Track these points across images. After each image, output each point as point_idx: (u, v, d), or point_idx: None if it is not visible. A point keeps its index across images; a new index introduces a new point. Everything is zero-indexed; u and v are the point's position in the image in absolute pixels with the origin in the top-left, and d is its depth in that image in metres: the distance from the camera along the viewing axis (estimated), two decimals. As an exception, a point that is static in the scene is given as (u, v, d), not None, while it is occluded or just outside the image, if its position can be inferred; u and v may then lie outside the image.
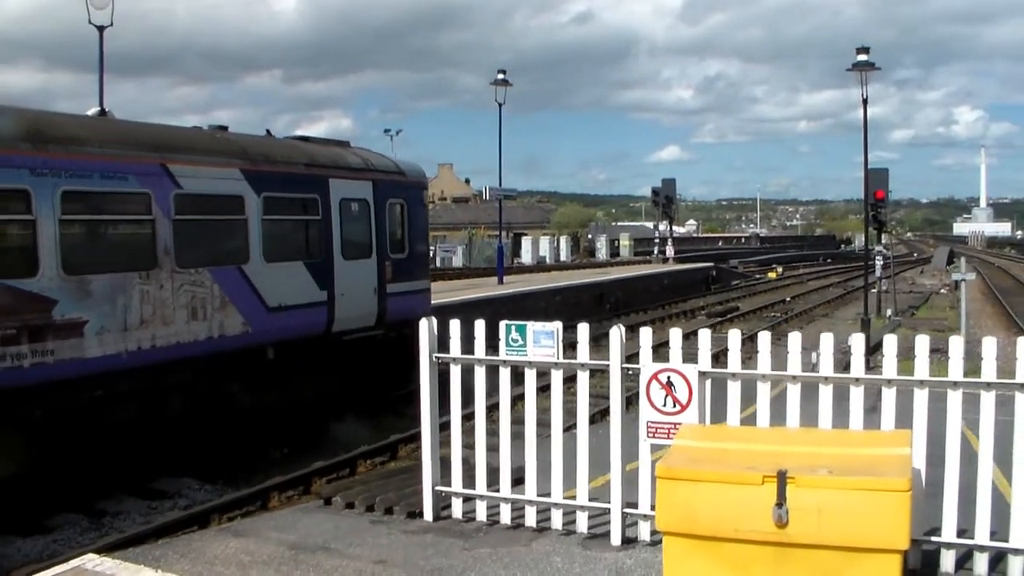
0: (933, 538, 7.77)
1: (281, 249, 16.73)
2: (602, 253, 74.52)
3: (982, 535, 7.69)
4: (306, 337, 17.04)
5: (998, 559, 7.76)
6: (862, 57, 33.34)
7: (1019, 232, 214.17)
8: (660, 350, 8.98)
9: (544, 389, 9.24)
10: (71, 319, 12.65)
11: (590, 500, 8.96)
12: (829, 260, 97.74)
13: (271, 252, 16.36)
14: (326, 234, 17.78)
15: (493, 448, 9.41)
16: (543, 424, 9.18)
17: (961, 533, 7.74)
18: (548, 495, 9.10)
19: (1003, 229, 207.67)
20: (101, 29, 28.07)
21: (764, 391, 8.28)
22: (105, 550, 9.34)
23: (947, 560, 7.79)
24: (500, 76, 43.32)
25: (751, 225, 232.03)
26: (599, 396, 12.39)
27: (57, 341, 12.44)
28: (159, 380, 14.21)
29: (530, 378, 9.17)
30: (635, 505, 8.66)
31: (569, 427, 9.41)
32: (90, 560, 8.41)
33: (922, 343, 7.87)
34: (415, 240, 20.87)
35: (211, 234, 15.61)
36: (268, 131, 19.12)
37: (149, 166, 14.11)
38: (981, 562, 7.73)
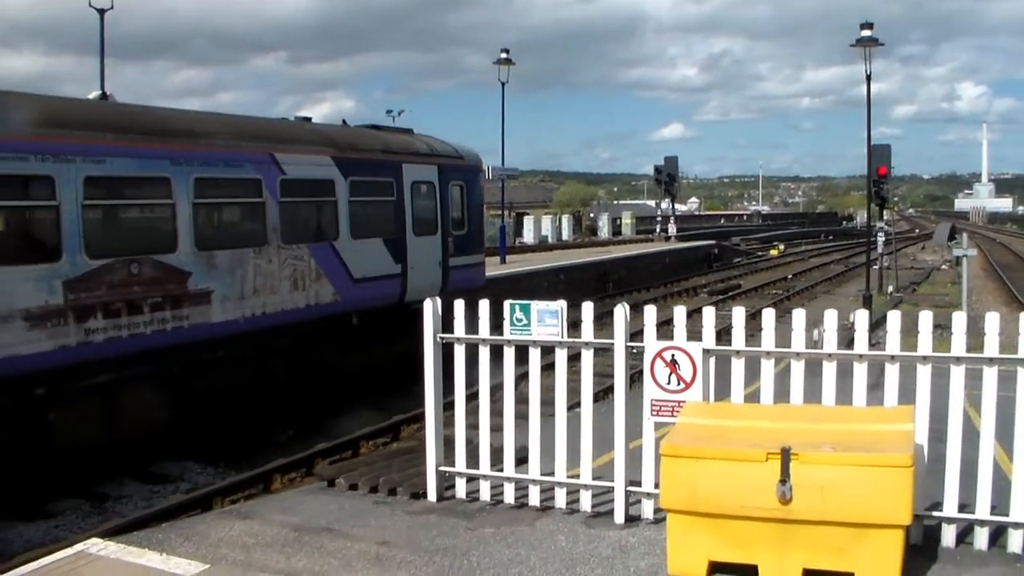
0: (934, 513, 7.79)
1: (364, 227, 18.65)
2: (604, 232, 74.27)
3: (983, 510, 7.71)
4: (383, 305, 19.01)
5: (998, 533, 7.78)
6: (866, 33, 33.22)
7: (1020, 208, 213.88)
8: (663, 328, 8.97)
9: (548, 368, 9.23)
10: (201, 289, 14.66)
11: (594, 479, 8.97)
12: (831, 237, 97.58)
13: (356, 230, 18.33)
14: (400, 213, 19.84)
15: (497, 428, 9.41)
16: (547, 403, 9.18)
17: (962, 508, 7.76)
18: (552, 474, 9.11)
19: (1004, 205, 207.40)
20: (102, 12, 28.06)
21: (768, 368, 8.28)
22: (109, 534, 9.33)
23: (948, 535, 7.81)
24: (503, 55, 43.21)
25: (753, 202, 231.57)
26: (603, 375, 12.39)
27: (191, 308, 14.45)
28: (267, 342, 16.17)
29: (534, 357, 9.16)
30: (639, 483, 8.67)
31: (573, 406, 9.40)
32: (94, 544, 8.41)
33: (926, 319, 7.86)
34: (472, 218, 23.08)
35: (308, 214, 17.76)
36: (344, 121, 21.20)
37: (261, 155, 16.15)
38: (982, 536, 7.76)
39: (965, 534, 7.84)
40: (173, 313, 14.08)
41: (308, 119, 19.73)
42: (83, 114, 13.76)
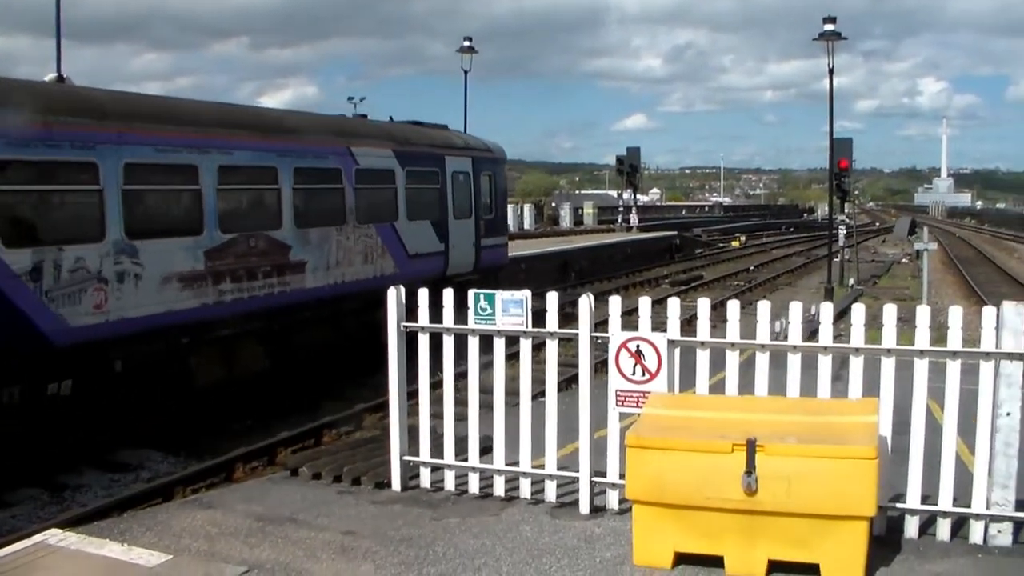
0: (898, 504, 7.85)
1: (417, 211, 21.90)
2: (566, 222, 74.34)
3: (945, 501, 7.78)
4: (431, 278, 20.74)
5: (960, 524, 7.85)
6: (829, 27, 33.43)
7: (979, 202, 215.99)
8: (627, 318, 8.97)
9: (513, 357, 9.22)
10: (299, 260, 17.64)
11: (559, 469, 8.96)
12: (792, 229, 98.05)
13: (411, 213, 21.62)
14: (443, 199, 23.18)
15: (461, 417, 9.39)
16: (512, 393, 9.16)
17: (925, 500, 7.83)
18: (517, 464, 9.10)
19: (963, 199, 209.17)
20: (57, -8, 27.66)
21: (733, 359, 8.30)
22: (68, 524, 9.21)
23: (911, 526, 7.88)
24: (466, 43, 43.14)
25: (715, 194, 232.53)
26: (567, 364, 12.39)
27: (291, 275, 17.44)
28: (343, 307, 18.98)
29: (499, 347, 9.15)
30: (604, 474, 8.68)
31: (537, 395, 9.40)
32: (53, 535, 8.27)
33: (889, 312, 7.91)
34: (499, 205, 26.86)
35: (375, 199, 20.65)
36: (391, 117, 23.96)
37: (340, 148, 19.35)
38: (944, 527, 7.83)
39: (928, 525, 7.91)
40: (278, 279, 17.12)
41: (364, 116, 23.21)
42: (216, 115, 16.94)
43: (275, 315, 17.16)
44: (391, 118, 23.83)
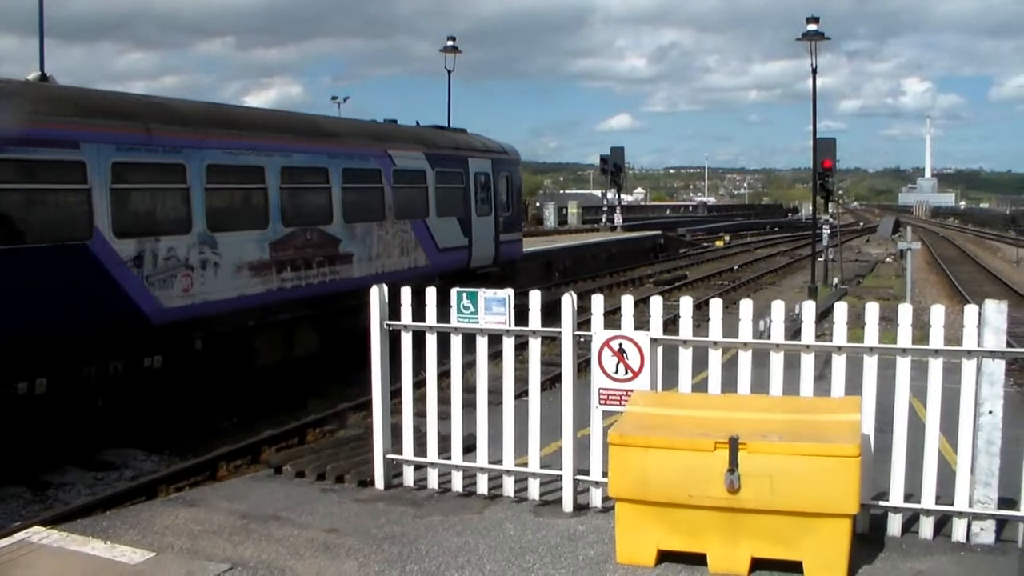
0: (881, 502, 7.87)
1: (445, 208, 23.89)
2: (550, 221, 74.29)
3: (928, 499, 7.80)
4: (456, 270, 23.98)
5: (943, 522, 7.87)
6: (812, 27, 33.50)
7: (963, 202, 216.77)
8: (610, 317, 8.98)
9: (496, 356, 9.22)
10: (347, 252, 19.59)
11: (542, 467, 8.97)
12: (776, 229, 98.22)
13: (440, 210, 23.61)
14: (467, 198, 25.17)
15: (445, 416, 9.38)
16: (495, 392, 9.16)
17: (907, 498, 7.85)
18: (500, 462, 9.10)
19: (947, 199, 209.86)
20: (41, -9, 27.50)
21: (716, 358, 8.31)
22: (51, 522, 9.18)
23: (894, 524, 7.90)
24: (449, 43, 43.11)
25: (699, 194, 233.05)
26: (550, 363, 12.41)
27: (340, 266, 19.36)
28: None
29: (481, 345, 9.15)
30: (587, 472, 8.69)
31: (521, 394, 9.40)
32: (36, 533, 8.25)
33: (872, 310, 7.94)
34: (514, 203, 28.83)
35: (410, 197, 22.54)
36: (417, 122, 25.89)
37: (380, 151, 21.34)
38: (927, 525, 7.85)
39: (911, 523, 7.93)
40: (329, 269, 18.98)
41: (394, 121, 25.00)
42: (278, 122, 19.31)
43: (326, 301, 18.91)
44: (417, 122, 25.83)
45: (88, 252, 13.58)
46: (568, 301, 8.74)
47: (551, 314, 9.02)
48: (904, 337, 7.83)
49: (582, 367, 10.07)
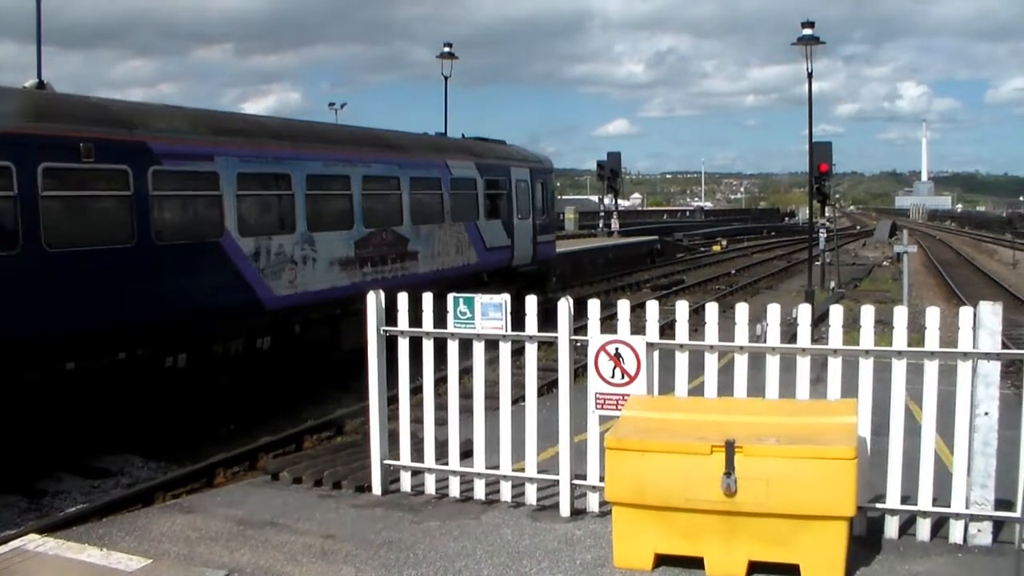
0: (878, 505, 7.88)
1: (491, 212, 26.56)
2: (548, 227, 74.23)
3: (925, 501, 7.81)
4: (500, 267, 26.97)
5: (940, 524, 7.88)
6: (807, 31, 33.56)
7: (959, 205, 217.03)
8: (607, 322, 8.99)
9: (493, 362, 9.23)
10: (414, 250, 22.25)
11: (539, 472, 8.97)
12: (773, 233, 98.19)
13: (488, 214, 26.32)
14: (509, 203, 27.65)
15: (442, 421, 9.39)
16: (492, 397, 9.16)
17: (904, 500, 7.85)
18: (497, 467, 9.10)
19: (943, 202, 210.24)
20: (39, -2, 27.53)
21: (712, 362, 8.32)
22: (47, 530, 9.12)
23: (891, 526, 7.90)
24: (446, 49, 43.16)
25: (696, 198, 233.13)
26: (547, 369, 12.40)
27: (408, 262, 22.01)
28: (443, 287, 20.58)
29: (478, 351, 9.15)
30: (584, 476, 8.68)
31: (518, 399, 9.40)
32: (31, 540, 8.22)
33: (867, 313, 7.94)
34: (549, 207, 31.55)
35: (464, 202, 25.07)
36: (463, 135, 29.25)
37: (439, 162, 24.16)
38: (924, 527, 7.85)
39: (908, 525, 7.93)
40: (401, 265, 21.64)
41: (443, 134, 29.25)
42: (360, 137, 22.18)
43: (396, 292, 18.43)
44: (463, 135, 29.18)
45: (220, 248, 16.21)
46: (564, 306, 8.74)
47: (548, 319, 9.01)
48: (900, 339, 7.83)
49: (579, 372, 10.07)
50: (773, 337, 8.21)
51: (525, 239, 28.63)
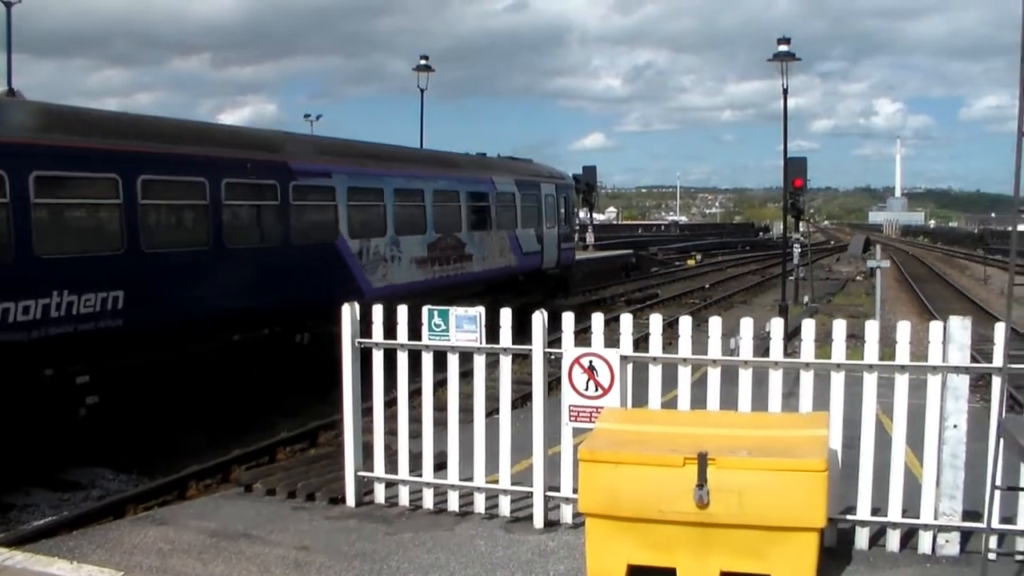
0: (848, 516, 7.94)
1: (526, 221, 30.62)
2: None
3: (894, 513, 7.88)
4: (532, 270, 31.29)
5: (909, 535, 7.95)
6: (783, 48, 33.73)
7: (932, 221, 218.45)
8: (581, 335, 9.02)
9: (467, 374, 9.25)
10: (470, 253, 26.35)
11: (513, 484, 8.99)
12: (747, 248, 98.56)
13: (523, 223, 30.33)
14: (539, 213, 31.76)
15: (416, 434, 9.40)
16: (466, 409, 9.18)
17: (875, 511, 7.93)
18: (471, 479, 9.12)
19: (916, 218, 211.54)
20: (8, 5, 27.47)
21: (685, 375, 8.37)
22: (15, 543, 9.01)
23: (861, 537, 7.97)
24: (422, 62, 43.19)
25: (671, 213, 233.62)
26: (521, 381, 12.40)
27: (465, 263, 26.07)
28: (490, 286, 27.29)
29: (453, 363, 9.17)
30: (557, 488, 8.71)
31: (492, 412, 9.42)
32: (-1, 553, 8.18)
33: (839, 327, 8.02)
34: (571, 218, 37.45)
35: (505, 213, 29.19)
36: (499, 155, 32.57)
37: (487, 178, 28.34)
38: (893, 538, 7.93)
39: (878, 536, 8.00)
40: (460, 265, 25.77)
41: (484, 154, 31.67)
42: (428, 158, 27.58)
43: (455, 288, 25.01)
44: (498, 154, 32.70)
45: (336, 248, 20.25)
46: (539, 319, 8.77)
47: (524, 332, 9.04)
48: (871, 353, 7.92)
49: (553, 385, 10.10)
50: (746, 351, 8.26)
51: (552, 246, 32.90)
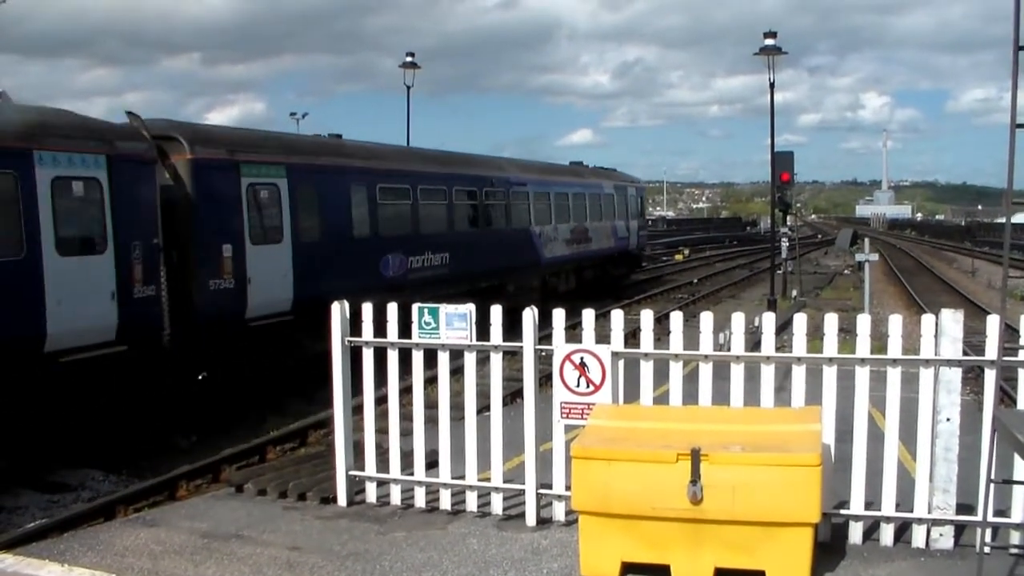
0: (842, 511, 7.94)
1: (620, 215, 40.88)
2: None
3: (888, 507, 7.88)
4: (623, 251, 41.64)
5: (903, 529, 7.95)
6: (769, 42, 33.73)
7: (919, 214, 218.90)
8: (571, 331, 9.00)
9: (458, 372, 9.22)
10: (590, 236, 36.64)
11: (505, 482, 8.97)
12: (735, 242, 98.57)
13: (618, 216, 40.69)
14: (625, 209, 41.89)
15: (407, 432, 9.37)
16: (457, 407, 9.16)
17: (868, 506, 7.93)
18: (462, 478, 9.09)
19: (904, 211, 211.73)
20: (-2, 7, 27.46)
21: (677, 370, 8.35)
22: (5, 546, 8.95)
23: (855, 532, 7.97)
24: (408, 59, 43.08)
25: (658, 208, 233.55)
26: (512, 379, 12.40)
27: (587, 244, 36.42)
28: (601, 260, 39.07)
29: (443, 361, 9.14)
30: (550, 486, 8.69)
31: (483, 409, 9.39)
32: (-11, 557, 8.14)
33: (831, 321, 8.01)
34: (643, 212, 48.53)
35: (608, 208, 39.52)
36: (586, 163, 42.64)
37: (598, 183, 39.21)
38: (887, 532, 7.92)
39: (871, 531, 8.00)
40: (586, 245, 36.16)
41: (581, 163, 41.86)
42: (576, 171, 39.07)
43: (583, 260, 36.43)
44: (582, 163, 41.94)
45: (528, 232, 31.14)
46: (529, 315, 8.75)
47: (514, 328, 9.02)
48: (863, 347, 7.91)
49: (544, 381, 10.07)
50: (737, 346, 8.25)
51: (635, 233, 43.47)
